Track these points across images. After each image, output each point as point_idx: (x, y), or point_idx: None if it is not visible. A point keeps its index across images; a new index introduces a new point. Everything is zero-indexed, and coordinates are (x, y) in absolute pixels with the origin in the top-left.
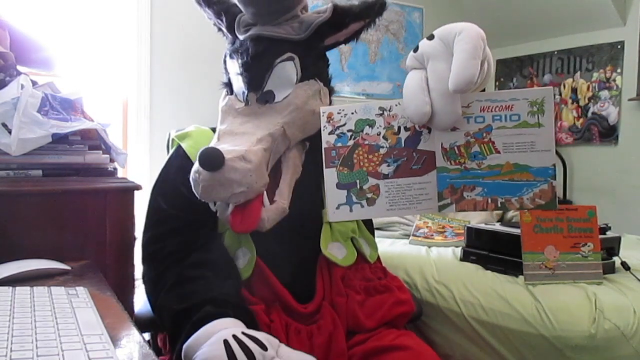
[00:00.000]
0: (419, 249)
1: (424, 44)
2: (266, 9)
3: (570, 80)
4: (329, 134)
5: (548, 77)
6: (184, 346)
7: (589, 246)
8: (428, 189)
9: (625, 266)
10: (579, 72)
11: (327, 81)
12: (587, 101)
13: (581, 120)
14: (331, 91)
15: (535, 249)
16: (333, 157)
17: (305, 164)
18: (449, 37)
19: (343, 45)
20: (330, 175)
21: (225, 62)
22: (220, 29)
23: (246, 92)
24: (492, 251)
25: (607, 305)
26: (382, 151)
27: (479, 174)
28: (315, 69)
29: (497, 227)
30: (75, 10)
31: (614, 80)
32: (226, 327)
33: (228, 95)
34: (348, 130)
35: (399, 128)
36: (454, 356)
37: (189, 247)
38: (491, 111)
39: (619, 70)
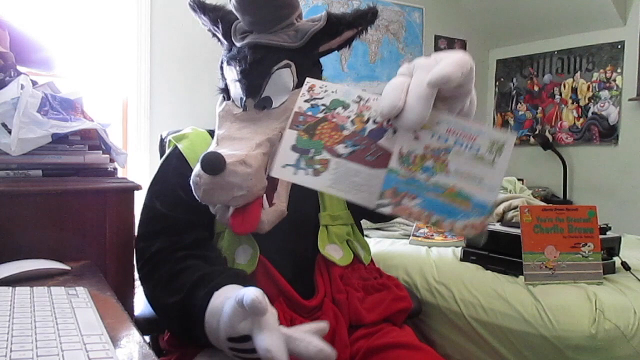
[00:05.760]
0: (419, 249)
1: (419, 58)
2: (263, 17)
3: (570, 80)
4: (305, 101)
5: (548, 77)
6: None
7: (589, 246)
8: (373, 183)
9: (626, 266)
10: (579, 72)
11: None
12: (587, 101)
13: (581, 120)
14: None
15: (536, 249)
16: (299, 122)
17: None
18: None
19: (337, 51)
20: (289, 136)
21: (222, 68)
22: (215, 35)
23: (244, 98)
24: (492, 251)
25: (607, 305)
26: (345, 132)
27: (424, 186)
28: (310, 75)
29: (497, 227)
30: (75, 10)
31: (614, 80)
32: (225, 296)
33: (225, 101)
34: (322, 105)
35: (368, 119)
36: (454, 356)
37: (178, 245)
38: (456, 135)
39: (619, 70)
